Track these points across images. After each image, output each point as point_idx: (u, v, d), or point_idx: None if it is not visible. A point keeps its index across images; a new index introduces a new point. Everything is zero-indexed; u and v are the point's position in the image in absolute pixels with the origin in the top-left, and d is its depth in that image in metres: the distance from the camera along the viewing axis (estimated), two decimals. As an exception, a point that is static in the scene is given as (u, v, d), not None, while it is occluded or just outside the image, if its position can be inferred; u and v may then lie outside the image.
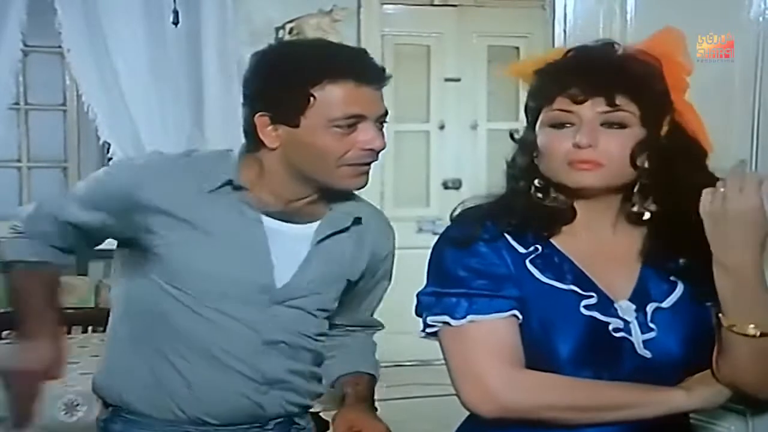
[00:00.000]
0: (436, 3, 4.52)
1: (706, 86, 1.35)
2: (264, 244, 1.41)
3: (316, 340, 1.49)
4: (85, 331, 2.85)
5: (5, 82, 3.40)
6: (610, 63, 1.21)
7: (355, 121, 1.36)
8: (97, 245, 1.51)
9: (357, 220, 1.49)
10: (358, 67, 1.37)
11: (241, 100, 1.43)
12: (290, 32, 3.27)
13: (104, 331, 1.61)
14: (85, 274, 3.86)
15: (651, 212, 1.24)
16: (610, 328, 1.20)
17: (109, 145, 3.33)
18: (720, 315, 1.21)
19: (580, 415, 1.20)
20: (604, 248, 1.25)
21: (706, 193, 1.18)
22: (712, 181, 1.19)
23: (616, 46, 1.26)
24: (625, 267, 1.24)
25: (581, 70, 1.21)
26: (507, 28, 4.51)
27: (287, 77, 1.37)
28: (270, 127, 1.39)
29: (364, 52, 1.43)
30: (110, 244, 1.49)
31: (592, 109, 1.19)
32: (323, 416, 2.97)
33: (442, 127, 4.60)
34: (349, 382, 1.54)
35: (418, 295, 1.28)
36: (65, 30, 3.19)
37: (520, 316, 1.20)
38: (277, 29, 3.34)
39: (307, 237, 1.44)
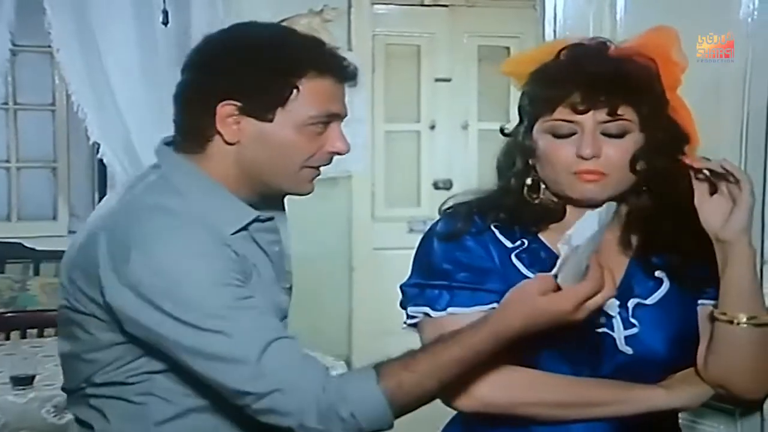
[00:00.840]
0: (426, 3, 4.52)
1: (696, 86, 1.36)
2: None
3: None
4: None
5: (-6, 82, 3.37)
6: (610, 70, 1.19)
7: (330, 120, 1.23)
8: None
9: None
10: (338, 63, 1.24)
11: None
12: (281, 32, 3.27)
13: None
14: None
15: (636, 207, 1.24)
16: (592, 323, 1.20)
17: (99, 145, 3.31)
18: (712, 307, 1.21)
19: (558, 412, 1.20)
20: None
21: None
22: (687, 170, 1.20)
23: (609, 44, 1.26)
24: (612, 263, 1.24)
25: (581, 78, 1.19)
26: (498, 28, 4.51)
27: (269, 63, 1.20)
28: (233, 118, 1.20)
29: (336, 47, 1.29)
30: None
31: (594, 118, 1.18)
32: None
33: (432, 128, 4.59)
34: None
35: (401, 287, 1.28)
36: (55, 29, 3.16)
37: None
38: (268, 29, 3.33)
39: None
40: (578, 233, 1.11)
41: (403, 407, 1.16)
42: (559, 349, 1.20)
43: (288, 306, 1.35)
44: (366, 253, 4.11)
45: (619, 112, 1.18)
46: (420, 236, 1.31)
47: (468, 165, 4.48)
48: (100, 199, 4.55)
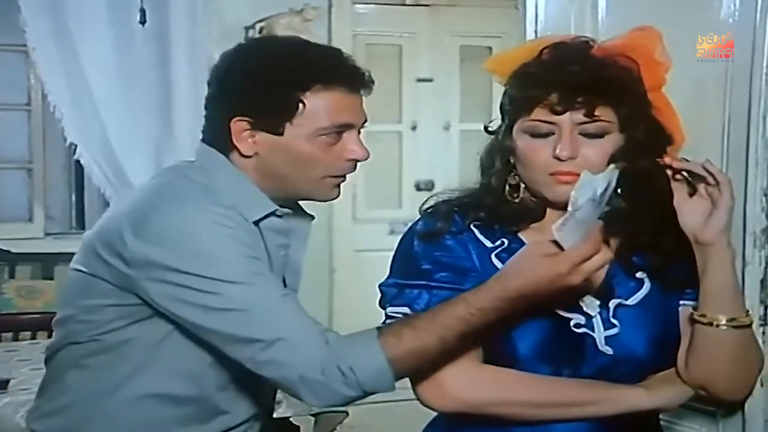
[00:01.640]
0: (408, 3, 4.51)
1: (681, 86, 1.35)
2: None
3: None
4: (50, 337, 2.79)
5: (-32, 82, 3.32)
6: (588, 71, 1.19)
7: (342, 130, 1.29)
8: None
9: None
10: (349, 73, 1.29)
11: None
12: (260, 32, 3.25)
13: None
14: (51, 279, 3.80)
15: (616, 208, 1.24)
16: (572, 323, 1.20)
17: (76, 146, 3.27)
18: (693, 308, 1.21)
19: (536, 411, 1.19)
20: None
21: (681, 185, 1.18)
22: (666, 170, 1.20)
23: (591, 43, 1.25)
24: (610, 233, 1.23)
25: (558, 79, 1.19)
26: (480, 28, 4.51)
27: (274, 79, 1.25)
28: (247, 133, 1.27)
29: (351, 56, 1.33)
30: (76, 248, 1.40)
31: (571, 119, 1.18)
32: (293, 422, 2.96)
33: (414, 128, 4.58)
34: None
35: (380, 287, 1.28)
36: (30, 28, 3.12)
37: None
38: (247, 28, 3.31)
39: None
40: (582, 193, 1.09)
41: (402, 364, 1.16)
42: (540, 348, 1.19)
43: None
44: (347, 254, 4.09)
45: (597, 113, 1.17)
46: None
47: (450, 166, 4.48)
48: (77, 200, 4.52)
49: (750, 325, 1.22)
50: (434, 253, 1.22)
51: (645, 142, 1.20)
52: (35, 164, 4.24)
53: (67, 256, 1.53)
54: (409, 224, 1.32)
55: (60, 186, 4.28)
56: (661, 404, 1.25)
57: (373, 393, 1.18)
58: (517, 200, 1.25)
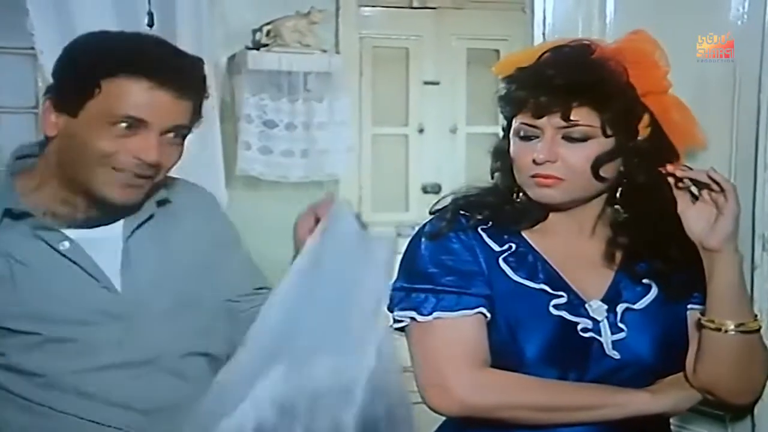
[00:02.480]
0: (414, 5, 4.51)
1: (684, 87, 1.35)
2: (91, 262, 1.28)
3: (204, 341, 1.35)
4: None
5: (-25, 85, 3.34)
6: (570, 76, 1.19)
7: (133, 124, 1.24)
8: None
9: (164, 202, 1.37)
10: (163, 68, 1.25)
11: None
12: (267, 34, 3.24)
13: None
14: None
15: (623, 215, 1.24)
16: (579, 328, 1.20)
17: (83, 148, 3.28)
18: (700, 313, 1.21)
19: (542, 415, 1.19)
20: (580, 249, 1.25)
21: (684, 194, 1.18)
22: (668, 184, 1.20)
23: (592, 46, 1.25)
24: (601, 268, 1.24)
25: (536, 83, 1.19)
26: (486, 30, 4.50)
27: (79, 62, 1.27)
28: (52, 113, 1.28)
29: (190, 58, 1.33)
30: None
31: (551, 122, 1.18)
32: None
33: (421, 131, 4.57)
34: None
35: None
36: (37, 31, 3.13)
37: (488, 314, 1.20)
38: (254, 31, 3.30)
39: (117, 238, 1.33)
40: None
41: None
42: (547, 352, 1.18)
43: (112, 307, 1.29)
44: (353, 257, 4.08)
45: (575, 117, 1.17)
46: (407, 241, 1.30)
47: (457, 169, 4.47)
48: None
49: (758, 330, 1.21)
50: (440, 257, 1.22)
51: (642, 148, 1.20)
52: (42, 167, 4.25)
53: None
54: (416, 227, 1.33)
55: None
56: (667, 408, 1.24)
57: None
58: (518, 200, 1.25)
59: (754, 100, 1.35)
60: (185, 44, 3.53)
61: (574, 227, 1.26)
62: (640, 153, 1.21)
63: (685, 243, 1.20)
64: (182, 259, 1.36)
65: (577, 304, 1.21)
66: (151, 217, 1.35)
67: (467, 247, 1.23)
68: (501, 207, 1.25)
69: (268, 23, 3.27)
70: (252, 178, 3.20)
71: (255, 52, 3.18)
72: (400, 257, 1.33)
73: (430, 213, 1.31)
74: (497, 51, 4.47)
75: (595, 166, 1.19)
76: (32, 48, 3.26)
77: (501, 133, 1.30)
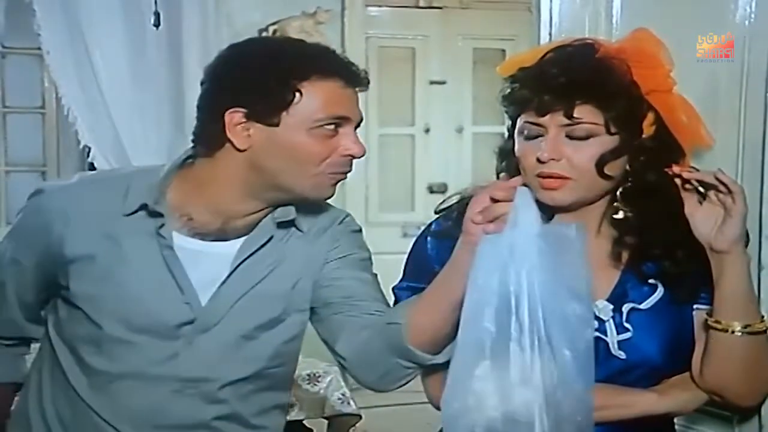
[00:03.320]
0: (420, 5, 4.51)
1: (693, 87, 1.34)
2: (184, 275, 1.25)
3: (273, 364, 1.32)
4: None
5: (-17, 85, 3.35)
6: (573, 73, 1.18)
7: (339, 123, 1.24)
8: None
9: (283, 225, 1.31)
10: (346, 67, 1.26)
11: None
12: (273, 34, 3.25)
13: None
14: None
15: (627, 215, 1.23)
16: None
17: (90, 148, 3.29)
18: (707, 314, 1.20)
19: None
20: (586, 249, 1.24)
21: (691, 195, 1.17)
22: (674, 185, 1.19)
23: (596, 45, 1.24)
24: (607, 268, 1.24)
25: (539, 81, 1.19)
26: (492, 30, 4.50)
27: (271, 69, 1.22)
28: (241, 125, 1.22)
29: (345, 55, 1.31)
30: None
31: (555, 121, 1.18)
32: (306, 424, 2.96)
33: (427, 131, 4.58)
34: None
35: (393, 289, 1.29)
36: (44, 31, 3.14)
37: None
38: (260, 31, 3.31)
39: (230, 255, 1.28)
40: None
41: None
42: None
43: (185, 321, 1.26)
44: (359, 257, 4.09)
45: (578, 114, 1.17)
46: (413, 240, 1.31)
47: (463, 168, 4.47)
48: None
49: (765, 332, 1.21)
50: (444, 255, 1.22)
51: (646, 146, 1.20)
52: (49, 167, 4.26)
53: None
54: (422, 227, 1.32)
55: (74, 189, 4.29)
56: (674, 409, 1.24)
57: None
58: None
59: (761, 99, 1.34)
60: (191, 44, 3.55)
61: (596, 221, 1.25)
62: (645, 151, 1.21)
63: (692, 244, 1.20)
64: (283, 283, 1.31)
65: None
66: (270, 239, 1.30)
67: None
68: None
69: (274, 23, 3.28)
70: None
71: (261, 52, 3.19)
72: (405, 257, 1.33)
73: (436, 212, 1.31)
74: (503, 51, 4.47)
75: (600, 164, 1.18)
76: (39, 48, 3.27)
77: (506, 133, 1.29)
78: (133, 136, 3.22)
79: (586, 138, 1.17)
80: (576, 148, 1.18)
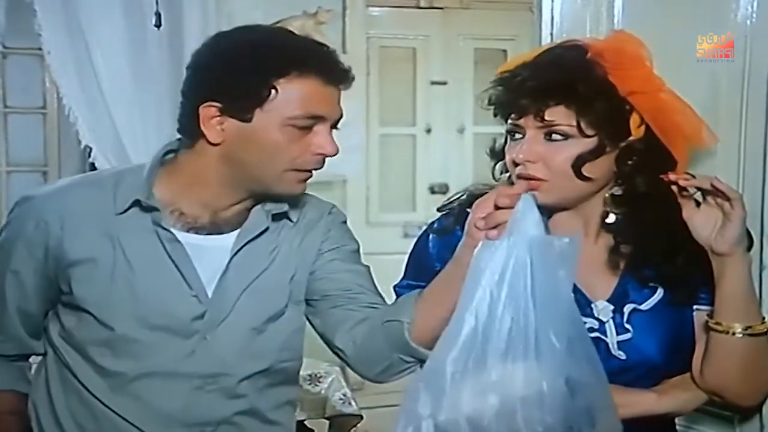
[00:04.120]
0: (422, 5, 4.51)
1: (694, 87, 1.34)
2: (191, 267, 1.26)
3: (283, 357, 1.33)
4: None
5: (-16, 85, 3.35)
6: (545, 76, 1.19)
7: (313, 122, 1.22)
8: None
9: (277, 216, 1.32)
10: (327, 64, 1.23)
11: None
12: (274, 35, 3.25)
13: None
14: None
15: (619, 218, 1.23)
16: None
17: (91, 148, 3.29)
18: (707, 315, 1.20)
19: None
20: (586, 250, 1.24)
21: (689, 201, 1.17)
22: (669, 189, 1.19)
23: (581, 48, 1.23)
24: (608, 269, 1.23)
25: (514, 86, 1.20)
26: (494, 30, 4.50)
27: (248, 64, 1.20)
28: (216, 119, 1.22)
29: (332, 50, 1.28)
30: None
31: (531, 123, 1.19)
32: (307, 425, 2.96)
33: (428, 131, 4.58)
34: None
35: (395, 288, 1.30)
36: (45, 31, 3.14)
37: None
38: (261, 31, 3.31)
39: (227, 248, 1.29)
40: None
41: None
42: None
43: (191, 316, 1.26)
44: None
45: (551, 117, 1.17)
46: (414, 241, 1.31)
47: (464, 169, 4.47)
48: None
49: (765, 333, 1.21)
50: (447, 254, 1.22)
51: (635, 148, 1.19)
52: (50, 167, 4.26)
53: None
54: (423, 227, 1.33)
55: (75, 189, 4.29)
56: (674, 409, 1.24)
57: None
58: None
59: (763, 99, 1.34)
60: (192, 44, 3.53)
61: (579, 227, 1.26)
62: (634, 153, 1.20)
63: (691, 248, 1.20)
64: (283, 275, 1.32)
65: (583, 304, 1.21)
66: (265, 230, 1.31)
67: None
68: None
69: (275, 23, 3.27)
70: (259, 179, 3.21)
71: (262, 52, 3.19)
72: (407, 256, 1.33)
73: (438, 210, 1.32)
74: (504, 51, 4.46)
75: (577, 165, 1.18)
76: (40, 48, 3.27)
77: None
78: (134, 136, 3.22)
79: (564, 139, 1.18)
80: (553, 149, 1.18)
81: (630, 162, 1.20)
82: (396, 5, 4.49)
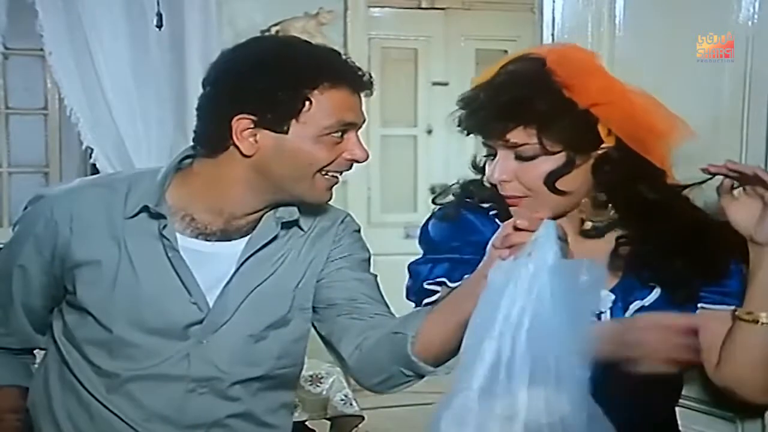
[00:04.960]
0: (423, 6, 4.51)
1: (696, 88, 1.34)
2: (190, 275, 1.26)
3: (281, 364, 1.32)
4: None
5: (-15, 86, 3.35)
6: (499, 100, 1.18)
7: (346, 129, 1.25)
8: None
9: (287, 224, 1.32)
10: (354, 73, 1.26)
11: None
12: (276, 35, 3.25)
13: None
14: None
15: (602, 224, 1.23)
16: None
17: (92, 150, 3.29)
18: (733, 310, 1.21)
19: None
20: (586, 250, 1.24)
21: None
22: (662, 194, 1.18)
23: (541, 60, 1.21)
24: (608, 269, 1.23)
25: (473, 111, 1.21)
26: (495, 31, 4.50)
27: (281, 77, 1.21)
28: (249, 131, 1.22)
29: (348, 57, 1.30)
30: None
31: (498, 144, 1.20)
32: (309, 426, 2.95)
33: (429, 132, 4.58)
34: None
35: (409, 267, 1.29)
36: (47, 32, 3.14)
37: None
38: (263, 32, 3.30)
39: (234, 255, 1.29)
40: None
41: None
42: None
43: (193, 321, 1.27)
44: (362, 258, 4.08)
45: (514, 138, 1.17)
46: (416, 242, 1.32)
47: (465, 169, 4.45)
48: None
49: None
50: (459, 232, 1.25)
51: (610, 157, 1.18)
52: (51, 168, 4.26)
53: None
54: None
55: (76, 190, 4.29)
56: None
57: None
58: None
59: (765, 100, 1.33)
60: (194, 45, 3.55)
61: (578, 228, 1.25)
62: (609, 161, 1.19)
63: (691, 251, 1.20)
64: (287, 282, 1.32)
65: None
66: (274, 238, 1.31)
67: (479, 219, 1.26)
68: (501, 203, 1.25)
69: (276, 24, 3.28)
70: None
71: (263, 53, 3.19)
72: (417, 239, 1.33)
73: (433, 202, 1.33)
74: (506, 51, 4.46)
75: (549, 182, 1.18)
76: (41, 49, 3.27)
77: None
78: (136, 137, 3.22)
79: (533, 158, 1.17)
80: (523, 168, 1.19)
81: (607, 170, 1.19)
82: (397, 6, 4.49)
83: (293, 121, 1.21)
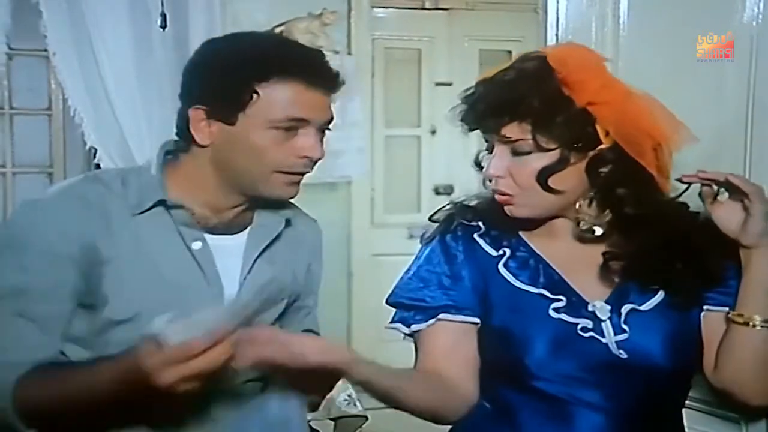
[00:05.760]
0: (427, 6, 4.51)
1: (699, 88, 1.34)
2: (213, 268, 1.27)
3: None
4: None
5: (-11, 86, 3.36)
6: (495, 94, 1.19)
7: (297, 125, 1.24)
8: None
9: (288, 222, 1.37)
10: (311, 68, 1.25)
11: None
12: (279, 36, 3.25)
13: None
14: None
15: (602, 228, 1.22)
16: (578, 328, 1.18)
17: (96, 150, 3.29)
18: (721, 311, 1.20)
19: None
20: (584, 253, 1.24)
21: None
22: (655, 198, 1.19)
23: (544, 58, 1.21)
24: (605, 273, 1.23)
25: (472, 105, 1.22)
26: (499, 32, 4.50)
27: (231, 69, 1.23)
28: (204, 122, 1.25)
29: (320, 53, 1.31)
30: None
31: (495, 139, 1.20)
32: (312, 426, 2.96)
33: (433, 132, 4.58)
34: None
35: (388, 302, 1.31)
36: (51, 33, 3.14)
37: (478, 321, 1.23)
38: (266, 33, 3.31)
39: (239, 248, 1.31)
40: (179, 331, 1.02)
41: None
42: (546, 355, 1.19)
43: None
44: (365, 259, 4.09)
45: (508, 133, 1.18)
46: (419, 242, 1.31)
47: (469, 170, 4.43)
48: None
49: None
50: (436, 264, 1.26)
51: (606, 157, 1.18)
52: (55, 168, 4.27)
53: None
54: (428, 228, 1.32)
55: (80, 190, 4.30)
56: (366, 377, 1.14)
57: None
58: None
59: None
60: (197, 46, 3.55)
61: (576, 231, 1.25)
62: (605, 162, 1.19)
63: (692, 254, 1.20)
64: (285, 279, 1.36)
65: (578, 306, 1.21)
66: (279, 236, 1.35)
67: (464, 252, 1.26)
68: (498, 211, 1.25)
69: (280, 24, 3.28)
70: (264, 180, 3.21)
71: (267, 53, 3.19)
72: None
73: (430, 220, 1.32)
74: (510, 52, 4.46)
75: (541, 179, 1.18)
76: (45, 50, 3.28)
77: None
78: (139, 137, 3.22)
79: (527, 154, 1.18)
80: (517, 164, 1.19)
81: (602, 171, 1.19)
82: (401, 6, 4.49)
83: (241, 113, 1.23)
